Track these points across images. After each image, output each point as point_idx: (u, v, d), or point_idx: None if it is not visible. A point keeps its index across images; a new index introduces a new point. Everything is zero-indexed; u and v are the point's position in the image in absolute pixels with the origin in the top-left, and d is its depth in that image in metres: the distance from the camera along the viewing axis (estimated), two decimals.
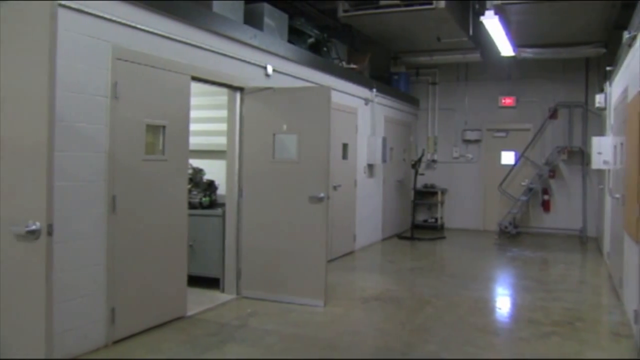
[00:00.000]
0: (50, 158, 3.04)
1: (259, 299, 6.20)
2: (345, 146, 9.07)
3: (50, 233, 3.03)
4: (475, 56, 11.39)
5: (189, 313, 5.57)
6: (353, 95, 9.39)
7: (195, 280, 6.24)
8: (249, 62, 6.41)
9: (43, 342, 3.04)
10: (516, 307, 6.58)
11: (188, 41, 5.49)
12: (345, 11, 8.97)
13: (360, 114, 9.73)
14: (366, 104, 9.98)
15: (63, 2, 4.09)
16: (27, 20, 3.16)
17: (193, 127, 5.73)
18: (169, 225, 5.30)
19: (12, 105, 3.16)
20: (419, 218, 12.73)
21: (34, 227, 3.00)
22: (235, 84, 6.22)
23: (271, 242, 6.17)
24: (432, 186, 12.94)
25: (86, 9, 4.41)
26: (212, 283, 6.55)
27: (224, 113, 6.57)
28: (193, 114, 5.70)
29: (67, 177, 4.22)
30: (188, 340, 4.92)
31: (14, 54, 3.19)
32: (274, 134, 6.20)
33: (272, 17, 7.18)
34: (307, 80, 7.52)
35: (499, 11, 8.12)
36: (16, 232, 3.04)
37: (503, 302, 6.83)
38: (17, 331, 3.14)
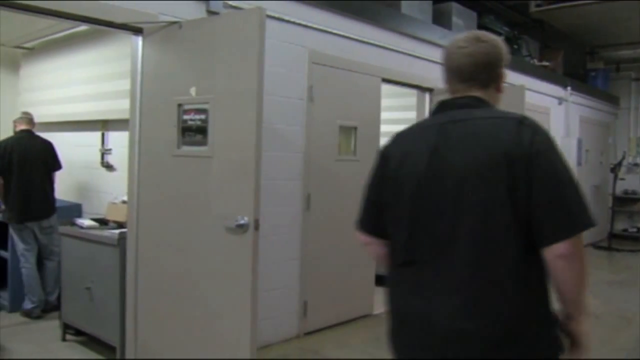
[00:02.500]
0: (258, 158, 3.25)
1: None
2: None
3: (256, 227, 3.24)
4: None
5: (375, 312, 5.64)
6: (545, 94, 8.87)
7: (381, 280, 6.30)
8: (438, 63, 6.30)
9: (248, 328, 3.26)
10: None
11: (378, 43, 5.57)
12: (537, 6, 8.49)
13: (553, 113, 9.15)
14: (560, 103, 9.37)
15: (267, 11, 4.36)
16: (238, 30, 3.41)
17: (381, 128, 5.79)
18: None
19: (224, 108, 3.43)
20: (618, 227, 11.63)
21: (242, 222, 3.23)
22: (425, 85, 6.19)
23: None
24: (634, 192, 11.76)
25: (286, 17, 4.68)
26: None
27: (411, 114, 6.58)
28: (381, 115, 5.76)
29: (268, 176, 4.49)
30: (375, 339, 4.98)
31: (225, 61, 3.45)
32: None
33: (461, 16, 7.02)
34: None
35: None
36: (227, 225, 3.29)
37: None
38: (225, 315, 3.40)
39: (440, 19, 6.70)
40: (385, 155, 1.85)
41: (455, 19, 6.88)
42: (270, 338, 4.64)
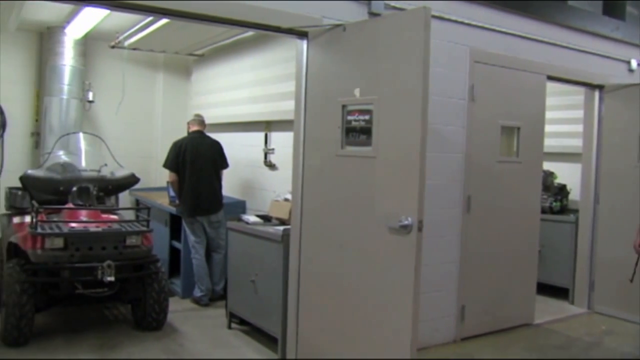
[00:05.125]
0: (423, 159, 3.22)
1: (614, 316, 5.65)
2: None
3: (420, 229, 3.20)
4: None
5: (536, 321, 5.38)
6: None
7: (541, 288, 5.98)
8: (609, 57, 5.89)
9: (409, 329, 3.24)
10: None
11: (543, 39, 5.30)
12: None
13: None
14: None
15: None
16: (402, 30, 3.41)
17: (545, 128, 5.50)
18: (520, 229, 5.20)
19: (388, 109, 3.43)
20: None
21: (406, 222, 3.22)
22: (595, 81, 5.79)
23: (633, 255, 5.54)
24: None
25: (447, 16, 4.60)
26: (558, 292, 6.23)
27: (578, 113, 6.19)
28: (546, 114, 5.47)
29: (429, 176, 4.40)
30: (535, 349, 4.75)
31: (389, 62, 3.46)
32: None
33: (636, 5, 6.46)
34: None
35: None
36: (390, 226, 3.30)
37: None
38: (386, 315, 3.41)
39: (612, 10, 6.20)
40: None
41: (629, 8, 6.34)
42: (427, 341, 4.58)
